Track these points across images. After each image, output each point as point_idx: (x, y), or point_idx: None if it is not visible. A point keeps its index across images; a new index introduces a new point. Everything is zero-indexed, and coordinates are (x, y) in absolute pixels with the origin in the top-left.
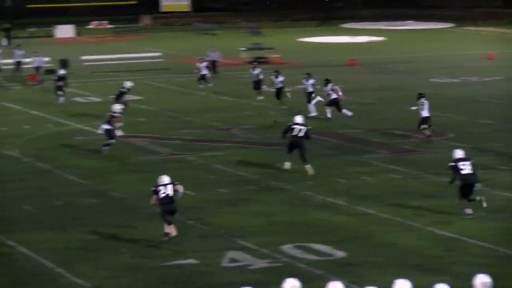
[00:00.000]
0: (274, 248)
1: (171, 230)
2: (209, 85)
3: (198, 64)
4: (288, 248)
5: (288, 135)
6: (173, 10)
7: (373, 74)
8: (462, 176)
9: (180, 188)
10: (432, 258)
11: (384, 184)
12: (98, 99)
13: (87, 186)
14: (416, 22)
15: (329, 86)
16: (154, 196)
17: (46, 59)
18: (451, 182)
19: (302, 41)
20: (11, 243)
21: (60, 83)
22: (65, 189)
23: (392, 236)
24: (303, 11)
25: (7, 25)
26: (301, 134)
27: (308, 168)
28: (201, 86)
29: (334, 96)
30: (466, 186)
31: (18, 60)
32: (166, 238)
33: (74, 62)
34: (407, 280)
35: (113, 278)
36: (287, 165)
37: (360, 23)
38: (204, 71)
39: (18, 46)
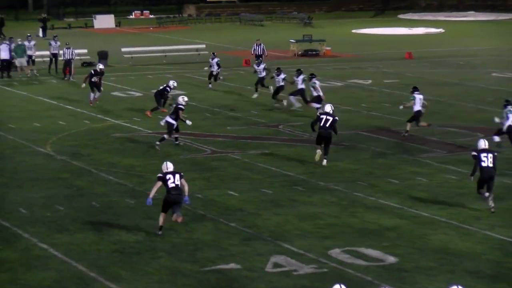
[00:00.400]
0: (321, 252)
1: (177, 218)
2: (220, 79)
3: (210, 60)
4: (336, 252)
5: (316, 126)
6: None
7: (430, 68)
8: (482, 169)
9: (185, 183)
10: (489, 264)
11: (440, 185)
12: (138, 94)
13: (124, 186)
14: (477, 13)
15: (301, 77)
16: (159, 183)
17: (78, 51)
18: (472, 174)
19: (356, 33)
20: (43, 245)
21: (95, 79)
22: (102, 189)
23: (447, 240)
24: (358, 1)
25: (43, 15)
26: (328, 124)
27: (319, 156)
28: (210, 85)
29: (302, 86)
30: (485, 179)
31: (54, 52)
32: (160, 232)
33: (114, 54)
34: (462, 286)
35: (150, 283)
36: (318, 155)
37: (418, 13)
38: (215, 68)
39: (55, 38)
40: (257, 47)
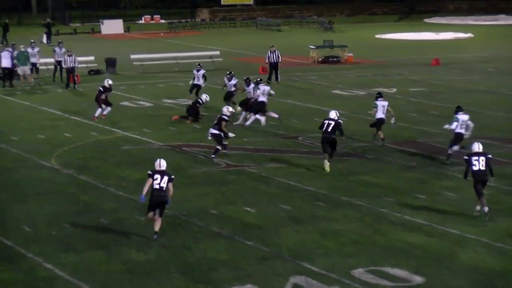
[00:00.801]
0: (344, 272)
1: (157, 223)
2: (203, 97)
3: (194, 72)
4: (359, 272)
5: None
6: (234, 3)
7: (458, 75)
8: (473, 172)
9: (171, 188)
10: None
11: (470, 200)
12: (148, 104)
13: (134, 201)
14: (507, 16)
15: (251, 86)
16: (149, 180)
17: (85, 58)
18: (465, 177)
19: (379, 38)
20: (48, 265)
21: (104, 96)
22: (110, 204)
23: (477, 258)
24: (382, 4)
25: (48, 20)
26: (330, 129)
27: (327, 166)
28: (190, 94)
29: (262, 98)
30: (476, 183)
31: (59, 59)
32: (155, 236)
33: (122, 62)
34: None
35: None
36: (326, 165)
37: (446, 17)
38: (200, 81)
39: (60, 44)
40: (272, 54)
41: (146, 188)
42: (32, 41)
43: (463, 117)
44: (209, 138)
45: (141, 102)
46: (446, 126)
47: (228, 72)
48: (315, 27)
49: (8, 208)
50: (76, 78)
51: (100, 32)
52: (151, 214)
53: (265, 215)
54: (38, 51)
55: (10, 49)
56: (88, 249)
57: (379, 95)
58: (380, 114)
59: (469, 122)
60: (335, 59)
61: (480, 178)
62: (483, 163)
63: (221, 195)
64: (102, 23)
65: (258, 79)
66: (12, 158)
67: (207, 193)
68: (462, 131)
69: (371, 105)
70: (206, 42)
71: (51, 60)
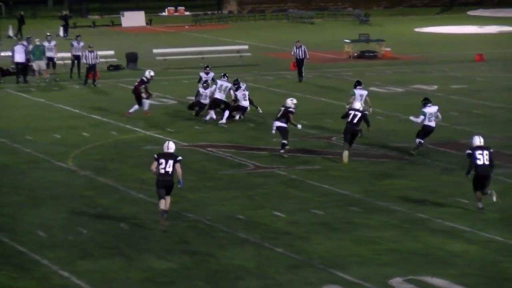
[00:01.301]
0: (380, 282)
1: (163, 204)
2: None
3: (203, 75)
4: (397, 282)
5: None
6: None
7: (504, 72)
8: (477, 167)
9: (178, 169)
10: None
11: None
12: (172, 101)
13: (156, 205)
14: None
15: (243, 92)
16: (155, 163)
17: (104, 53)
18: (468, 172)
19: (419, 32)
20: (64, 273)
21: (143, 89)
22: (131, 209)
23: None
24: None
25: (65, 12)
26: (356, 120)
27: (346, 158)
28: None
29: (217, 95)
30: (480, 178)
31: (77, 54)
32: (163, 215)
33: (144, 57)
34: None
35: None
36: (345, 156)
37: (490, 10)
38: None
39: (77, 38)
40: (297, 49)
41: (153, 172)
42: (48, 34)
43: (431, 109)
44: (273, 132)
45: (164, 100)
46: (412, 118)
47: (205, 66)
48: (350, 20)
49: (21, 213)
50: (96, 75)
51: (120, 25)
52: (162, 203)
53: (296, 221)
54: (54, 45)
55: (24, 43)
56: (107, 256)
57: (358, 83)
58: (357, 104)
59: (438, 114)
60: (371, 54)
61: (484, 173)
62: (487, 157)
63: (249, 199)
64: (123, 15)
65: (223, 74)
66: (26, 159)
67: (234, 197)
68: (432, 124)
69: (410, 104)
70: (234, 36)
71: (68, 54)
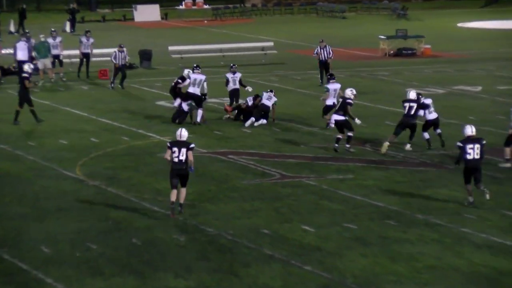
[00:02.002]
0: None
1: (174, 195)
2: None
3: (229, 76)
4: None
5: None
6: None
7: None
8: (466, 161)
9: (190, 157)
10: None
11: None
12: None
13: (173, 218)
14: None
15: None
16: (168, 152)
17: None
18: (457, 163)
19: (462, 27)
20: None
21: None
22: (144, 222)
23: None
24: None
25: (72, 6)
26: (412, 112)
27: (385, 148)
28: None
29: (191, 89)
30: (470, 171)
31: (86, 51)
32: (173, 206)
33: (159, 54)
34: None
35: None
36: (385, 148)
37: None
38: (237, 85)
39: (87, 34)
40: (322, 50)
41: (168, 158)
42: (53, 29)
43: (334, 85)
44: (332, 126)
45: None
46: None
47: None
48: (386, 14)
49: (24, 226)
50: (125, 76)
51: (132, 19)
52: (173, 196)
53: (326, 236)
54: (60, 42)
55: (26, 39)
56: (118, 273)
57: (331, 77)
58: (331, 100)
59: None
60: (409, 52)
61: (474, 166)
62: (478, 151)
63: (275, 212)
64: (135, 9)
65: (195, 65)
66: (30, 167)
67: (258, 209)
68: (432, 116)
69: (451, 106)
70: (258, 32)
71: (76, 52)
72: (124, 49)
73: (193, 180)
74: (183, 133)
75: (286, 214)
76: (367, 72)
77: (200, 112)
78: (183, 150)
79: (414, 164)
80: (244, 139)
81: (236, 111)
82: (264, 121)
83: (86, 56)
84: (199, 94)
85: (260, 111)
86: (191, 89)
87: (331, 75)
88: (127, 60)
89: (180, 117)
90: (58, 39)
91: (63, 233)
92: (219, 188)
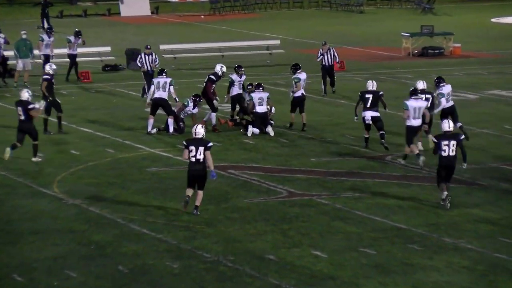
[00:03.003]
0: None
1: (190, 191)
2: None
3: (234, 77)
4: None
5: None
6: None
7: None
8: (442, 158)
9: (208, 157)
10: None
11: None
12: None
13: (165, 242)
14: None
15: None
16: (186, 151)
17: (98, 49)
18: (434, 153)
19: (497, 23)
20: None
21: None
22: (132, 247)
23: None
24: None
25: None
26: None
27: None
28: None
29: (157, 94)
30: (444, 168)
31: (73, 52)
32: (187, 199)
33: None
34: None
35: None
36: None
37: None
38: (241, 90)
39: (77, 34)
40: (326, 54)
41: (186, 158)
42: (48, 26)
43: (304, 75)
44: (369, 123)
45: (174, 109)
46: (291, 93)
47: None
48: (410, 7)
49: None
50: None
51: (118, 14)
52: (189, 192)
53: (341, 262)
54: (53, 41)
55: (2, 35)
56: None
57: (296, 67)
58: (300, 92)
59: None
60: (436, 52)
61: (448, 164)
62: (453, 148)
63: (282, 235)
64: (122, 2)
65: (160, 69)
66: (0, 183)
67: (263, 231)
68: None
69: (484, 113)
70: (262, 28)
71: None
72: (153, 52)
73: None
74: (198, 130)
75: (294, 238)
76: (387, 75)
77: (171, 121)
78: (201, 149)
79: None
80: (246, 151)
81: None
82: (269, 128)
83: (72, 58)
84: (166, 98)
85: (259, 120)
86: (157, 94)
87: (297, 65)
88: (157, 64)
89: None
90: (52, 38)
91: (39, 260)
92: (218, 207)
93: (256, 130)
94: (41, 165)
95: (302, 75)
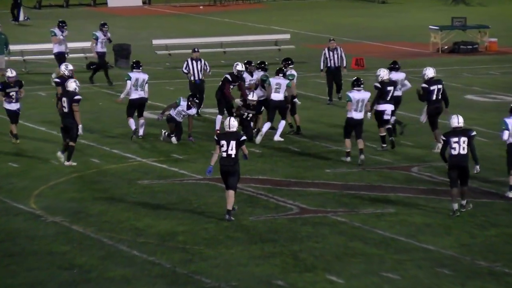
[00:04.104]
0: None
1: (228, 199)
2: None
3: (256, 76)
4: None
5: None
6: None
7: None
8: (452, 156)
9: (245, 150)
10: None
11: None
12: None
13: (158, 266)
14: None
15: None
16: (217, 148)
17: (82, 44)
18: (443, 158)
19: None
20: None
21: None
22: (120, 271)
23: None
24: None
25: None
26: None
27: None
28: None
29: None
30: (455, 168)
31: (60, 50)
32: (227, 217)
33: (140, 50)
34: None
35: None
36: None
37: None
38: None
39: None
40: (330, 54)
41: (213, 158)
42: (61, 20)
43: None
44: (388, 117)
45: (169, 113)
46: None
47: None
48: None
49: None
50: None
51: (105, 4)
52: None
53: None
54: (66, 35)
55: None
56: None
57: (289, 62)
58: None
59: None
60: (469, 47)
61: (460, 164)
62: (464, 145)
63: (292, 257)
64: None
65: (134, 62)
66: None
67: (270, 254)
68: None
69: None
70: (270, 21)
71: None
72: (199, 57)
73: (185, 216)
74: (232, 123)
75: (306, 261)
76: (413, 74)
77: (142, 121)
78: (233, 143)
79: (475, 194)
80: (252, 161)
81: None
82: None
83: (61, 55)
84: (146, 98)
85: (273, 110)
86: (136, 94)
87: (289, 59)
88: (209, 73)
89: (177, 132)
90: (65, 32)
91: (13, 286)
92: (219, 226)
93: (265, 128)
94: (15, 177)
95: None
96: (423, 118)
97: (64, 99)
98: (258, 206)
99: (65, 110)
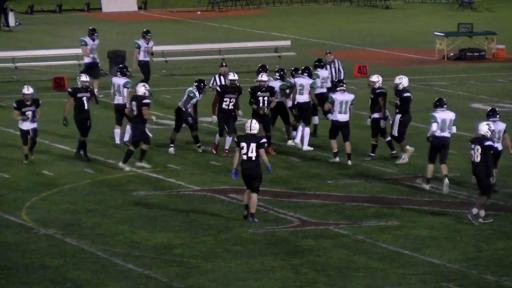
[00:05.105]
0: None
1: (247, 197)
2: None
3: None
4: None
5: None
6: None
7: None
8: (472, 164)
9: (263, 154)
10: None
11: None
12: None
13: (154, 280)
14: None
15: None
16: (237, 150)
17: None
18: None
19: None
20: None
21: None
22: (115, 285)
23: None
24: None
25: None
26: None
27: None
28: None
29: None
30: (475, 176)
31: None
32: (245, 213)
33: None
34: None
35: None
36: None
37: None
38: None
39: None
40: (329, 67)
41: (236, 160)
42: (91, 28)
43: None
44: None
45: (166, 121)
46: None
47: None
48: (445, 2)
49: None
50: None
51: (100, 9)
52: (247, 194)
53: None
54: (98, 44)
55: None
56: None
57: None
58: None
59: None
60: (476, 54)
61: (473, 171)
62: (478, 153)
63: (293, 271)
64: None
65: (120, 67)
66: None
67: (270, 267)
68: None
69: None
70: (270, 26)
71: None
72: (228, 65)
73: (182, 228)
74: (253, 125)
75: (308, 275)
76: (418, 82)
77: (129, 128)
78: (253, 145)
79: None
80: None
81: None
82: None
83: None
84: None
85: (301, 112)
86: (116, 100)
87: (264, 66)
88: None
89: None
90: (97, 41)
91: None
92: (217, 239)
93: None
94: (6, 188)
95: (302, 80)
96: (395, 130)
97: (133, 103)
98: (258, 218)
99: (135, 113)
